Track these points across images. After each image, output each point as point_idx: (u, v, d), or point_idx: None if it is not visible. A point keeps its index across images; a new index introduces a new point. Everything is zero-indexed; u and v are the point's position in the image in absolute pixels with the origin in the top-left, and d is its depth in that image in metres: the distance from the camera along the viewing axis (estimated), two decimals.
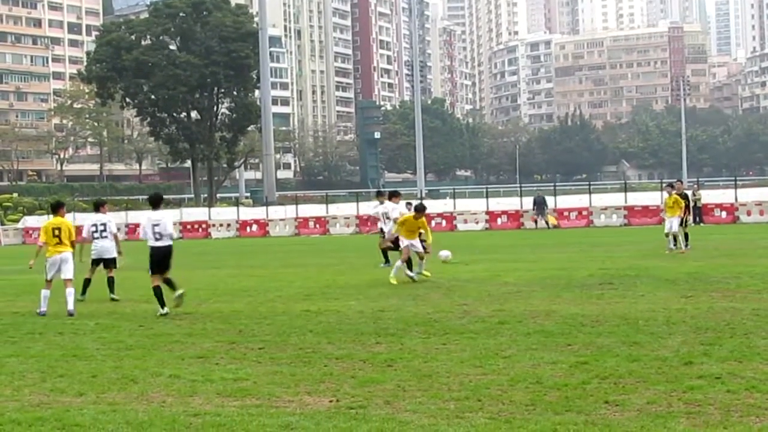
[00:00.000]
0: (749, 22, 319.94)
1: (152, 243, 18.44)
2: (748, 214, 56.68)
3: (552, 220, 60.41)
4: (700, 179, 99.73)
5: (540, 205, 60.89)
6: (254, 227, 71.03)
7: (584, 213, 62.12)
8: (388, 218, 27.53)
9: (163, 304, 17.92)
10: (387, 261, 28.30)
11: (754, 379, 10.02)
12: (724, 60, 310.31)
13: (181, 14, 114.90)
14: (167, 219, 18.76)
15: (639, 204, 64.04)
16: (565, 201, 67.36)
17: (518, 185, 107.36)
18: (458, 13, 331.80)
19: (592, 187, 74.14)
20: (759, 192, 63.24)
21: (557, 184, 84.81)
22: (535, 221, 60.51)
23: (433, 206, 71.47)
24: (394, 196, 28.89)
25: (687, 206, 34.19)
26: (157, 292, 18.10)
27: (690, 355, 11.58)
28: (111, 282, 21.93)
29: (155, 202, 19.02)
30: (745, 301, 16.88)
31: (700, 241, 36.52)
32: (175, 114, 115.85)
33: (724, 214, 57.31)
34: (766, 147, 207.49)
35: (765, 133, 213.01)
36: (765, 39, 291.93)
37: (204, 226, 71.96)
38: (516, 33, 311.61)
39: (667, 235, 30.57)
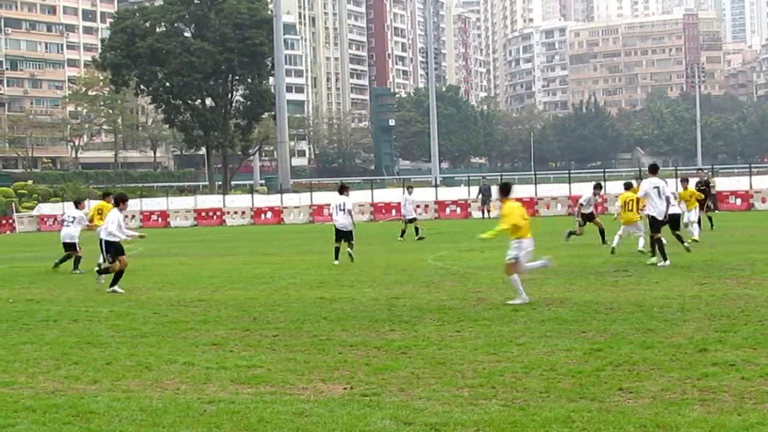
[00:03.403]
0: (764, 9, 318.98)
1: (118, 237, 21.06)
2: (763, 201, 56.52)
3: (493, 210, 60.44)
4: (714, 166, 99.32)
5: (485, 194, 60.80)
6: (269, 214, 71.07)
7: (598, 200, 61.87)
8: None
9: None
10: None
11: None
12: (739, 47, 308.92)
13: (195, 1, 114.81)
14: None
15: None
16: (578, 189, 67.22)
17: (533, 173, 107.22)
18: (473, 0, 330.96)
19: (606, 174, 73.92)
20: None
21: (572, 171, 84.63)
22: (482, 211, 60.54)
23: (447, 194, 71.51)
24: (343, 189, 28.87)
25: (708, 194, 34.44)
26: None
27: (704, 342, 11.55)
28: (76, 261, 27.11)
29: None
30: (759, 288, 16.84)
31: (715, 228, 36.36)
32: (189, 101, 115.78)
33: (738, 201, 57.13)
34: None
35: None
36: None
37: (219, 213, 72.05)
38: (531, 20, 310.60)
39: (686, 225, 30.39)
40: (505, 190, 16.67)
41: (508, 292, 17.45)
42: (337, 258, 26.76)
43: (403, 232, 38.44)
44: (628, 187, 27.32)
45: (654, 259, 22.05)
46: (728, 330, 12.40)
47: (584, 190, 34.16)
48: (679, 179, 36.39)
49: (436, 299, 16.88)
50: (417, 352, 11.68)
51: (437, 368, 10.57)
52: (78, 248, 27.50)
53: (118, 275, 20.59)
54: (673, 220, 24.55)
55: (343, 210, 27.39)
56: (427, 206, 66.62)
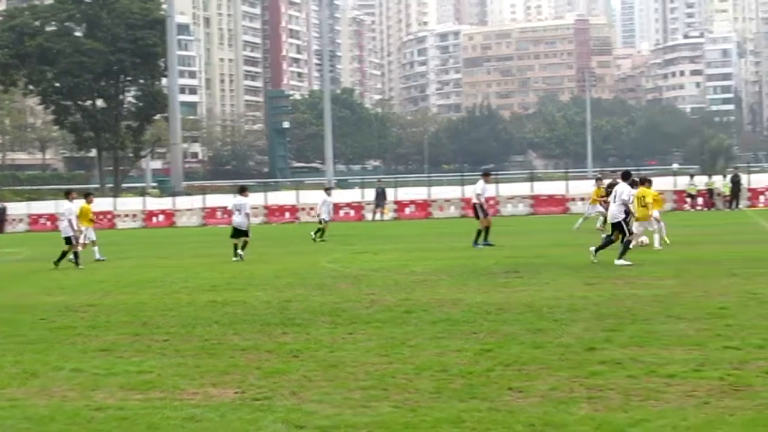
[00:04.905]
0: (653, 15, 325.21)
1: None
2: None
3: (387, 212, 61.00)
4: (604, 169, 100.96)
5: (380, 196, 61.33)
6: (161, 217, 70.38)
7: (491, 202, 62.50)
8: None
9: None
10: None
11: (653, 363, 10.19)
12: (629, 52, 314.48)
13: (87, 0, 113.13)
14: None
15: (545, 193, 64.92)
16: (468, 191, 67.98)
17: (427, 175, 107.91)
18: (368, 2, 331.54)
19: (499, 176, 74.71)
20: (663, 181, 64.15)
21: (464, 174, 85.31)
22: (375, 213, 61.01)
23: (342, 196, 71.57)
24: (243, 190, 30.53)
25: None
26: None
27: (592, 341, 11.74)
28: None
29: None
30: (646, 288, 17.16)
31: (595, 231, 36.93)
32: (80, 102, 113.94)
33: None
34: (669, 137, 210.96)
35: (667, 123, 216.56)
36: (668, 32, 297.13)
37: (109, 216, 71.05)
38: (425, 23, 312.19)
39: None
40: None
41: (401, 294, 17.55)
42: (235, 255, 28.16)
43: (323, 232, 38.51)
44: (642, 182, 27.39)
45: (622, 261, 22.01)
46: (615, 329, 12.62)
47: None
48: (595, 179, 37.25)
49: (329, 302, 16.87)
50: (309, 355, 11.66)
51: (329, 371, 10.56)
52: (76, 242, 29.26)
53: None
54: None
55: (240, 211, 28.95)
56: None
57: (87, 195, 33.45)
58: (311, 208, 66.90)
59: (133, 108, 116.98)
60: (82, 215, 30.71)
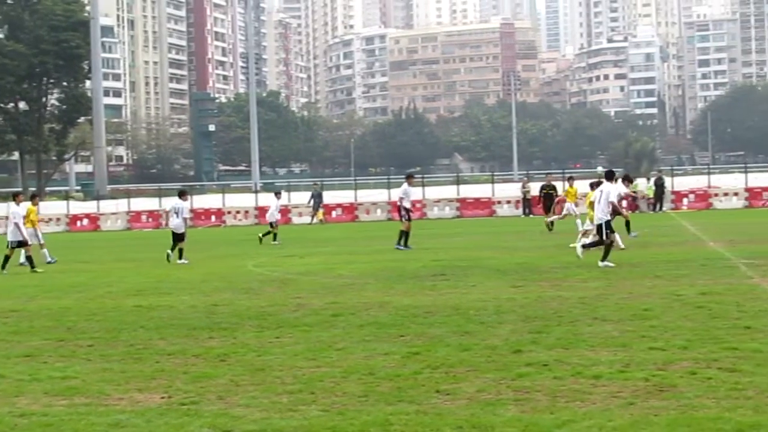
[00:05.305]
0: (577, 19, 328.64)
1: None
2: (576, 205, 58.13)
3: (319, 216, 61.21)
4: (530, 172, 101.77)
5: (317, 199, 61.57)
6: (85, 221, 69.55)
7: (418, 206, 62.73)
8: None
9: None
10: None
11: (579, 365, 10.28)
12: (554, 56, 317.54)
13: (8, 1, 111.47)
14: None
15: (471, 196, 65.29)
16: (395, 195, 68.19)
17: (353, 178, 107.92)
18: (294, 5, 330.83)
19: (425, 179, 74.93)
20: (585, 184, 64.80)
21: (391, 177, 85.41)
22: (312, 216, 61.18)
23: (268, 200, 71.27)
24: (182, 193, 30.97)
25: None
26: None
27: (519, 343, 11.82)
28: None
29: None
30: (572, 290, 17.32)
31: (531, 232, 37.36)
32: (1, 105, 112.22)
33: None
34: (593, 140, 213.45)
35: (592, 126, 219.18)
36: (592, 36, 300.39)
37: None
38: (351, 27, 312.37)
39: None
40: None
41: (328, 297, 17.55)
42: (181, 257, 28.61)
43: (275, 235, 38.29)
44: (593, 187, 28.25)
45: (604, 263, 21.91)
46: (542, 331, 12.72)
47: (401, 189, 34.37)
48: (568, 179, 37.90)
49: (256, 306, 16.80)
50: (236, 359, 11.61)
51: (256, 375, 10.52)
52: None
53: None
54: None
55: (178, 214, 29.34)
56: (247, 212, 66.42)
57: (33, 197, 34.13)
58: (237, 212, 66.72)
59: (56, 111, 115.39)
60: (27, 217, 30.62)
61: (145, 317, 15.82)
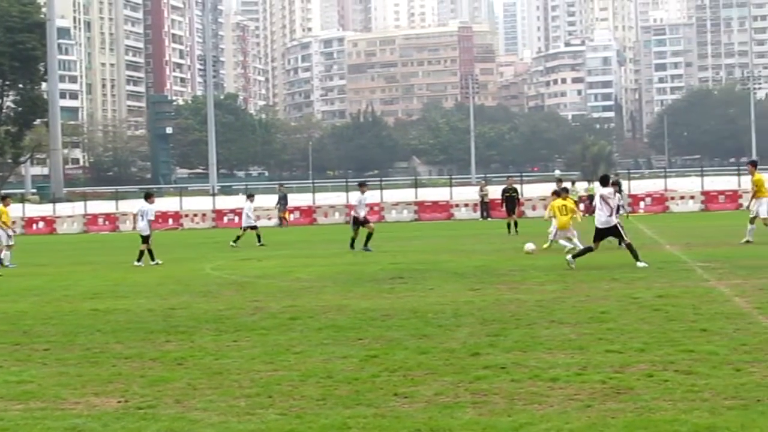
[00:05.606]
0: (535, 23, 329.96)
1: None
2: (534, 209, 58.57)
3: (286, 218, 61.25)
4: (487, 175, 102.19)
5: (283, 201, 61.57)
6: (41, 224, 69.01)
7: (376, 209, 62.78)
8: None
9: None
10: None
11: (537, 368, 10.31)
12: (511, 59, 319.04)
13: None
14: None
15: (429, 199, 65.47)
16: (353, 198, 68.31)
17: (311, 181, 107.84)
18: (252, 8, 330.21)
19: (383, 183, 75.01)
20: (543, 187, 65.16)
21: (349, 180, 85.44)
22: (280, 218, 61.16)
23: (225, 203, 71.19)
24: (149, 196, 31.21)
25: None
26: None
27: (477, 346, 11.84)
28: None
29: None
30: (529, 293, 17.38)
31: (489, 235, 37.48)
32: None
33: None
34: (550, 143, 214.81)
35: (549, 130, 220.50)
36: (550, 40, 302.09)
37: None
38: (310, 29, 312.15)
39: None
40: None
41: (286, 300, 17.51)
42: (153, 259, 29.02)
43: (238, 237, 38.10)
44: (559, 194, 28.82)
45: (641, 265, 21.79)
46: (499, 334, 12.75)
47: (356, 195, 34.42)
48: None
49: (213, 309, 16.74)
50: (193, 362, 11.55)
51: (214, 378, 10.47)
52: None
53: None
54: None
55: (143, 217, 29.63)
56: (204, 215, 66.20)
57: (4, 198, 34.11)
58: (195, 215, 66.44)
59: (12, 113, 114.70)
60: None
61: (102, 321, 15.71)
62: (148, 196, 30.81)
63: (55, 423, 8.72)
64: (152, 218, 29.91)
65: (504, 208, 43.71)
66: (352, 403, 9.05)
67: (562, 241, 27.99)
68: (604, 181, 23.62)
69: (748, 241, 27.96)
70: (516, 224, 38.52)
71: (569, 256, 22.25)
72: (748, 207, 32.12)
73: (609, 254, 24.08)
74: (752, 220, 28.61)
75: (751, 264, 21.24)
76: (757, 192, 28.96)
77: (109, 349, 12.85)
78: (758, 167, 30.66)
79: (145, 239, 29.24)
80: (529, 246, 27.33)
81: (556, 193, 29.30)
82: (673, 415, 8.17)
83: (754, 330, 12.41)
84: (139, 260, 28.92)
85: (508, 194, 42.91)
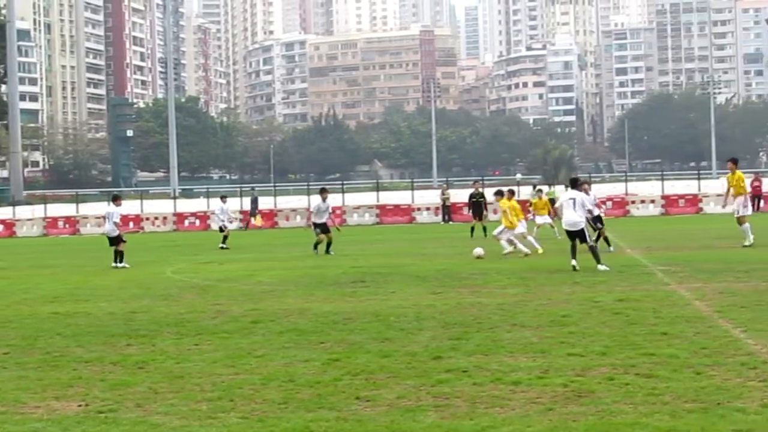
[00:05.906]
0: (497, 27, 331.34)
1: None
2: (495, 212, 58.64)
3: (258, 221, 61.22)
4: (449, 179, 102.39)
5: (253, 203, 61.67)
6: (0, 227, 68.49)
7: (338, 212, 62.70)
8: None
9: None
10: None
11: (499, 371, 10.33)
12: (473, 63, 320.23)
13: None
14: None
15: (391, 203, 65.52)
16: (314, 200, 68.26)
17: (273, 184, 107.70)
18: (213, 11, 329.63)
19: (345, 186, 75.01)
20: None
21: (311, 183, 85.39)
22: (247, 222, 61.18)
23: (186, 206, 70.92)
24: (116, 199, 31.21)
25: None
26: None
27: (439, 349, 11.85)
28: None
29: None
30: (491, 296, 17.42)
31: (449, 239, 37.55)
32: None
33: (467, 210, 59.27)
34: (512, 147, 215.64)
35: (510, 134, 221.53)
36: (511, 44, 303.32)
37: None
38: (271, 32, 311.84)
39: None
40: None
41: (248, 304, 17.46)
42: (121, 261, 28.96)
43: (225, 238, 37.96)
44: (502, 194, 29.46)
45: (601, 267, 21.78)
46: (461, 337, 12.77)
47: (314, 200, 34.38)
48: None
49: (174, 312, 16.67)
50: (155, 366, 11.49)
51: (175, 382, 10.42)
52: None
53: None
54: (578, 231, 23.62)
55: (108, 219, 29.76)
56: (165, 218, 65.91)
57: None
58: (156, 218, 66.13)
59: None
60: None
61: (62, 324, 15.60)
62: (115, 199, 30.82)
63: (15, 427, 8.66)
64: (117, 221, 29.79)
65: (471, 213, 43.88)
66: (314, 406, 9.04)
67: (503, 242, 28.12)
68: (575, 183, 23.77)
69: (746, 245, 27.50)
70: (485, 228, 38.59)
71: (601, 266, 21.84)
72: (723, 205, 31.78)
73: (569, 258, 24.14)
74: (740, 220, 27.97)
75: (710, 268, 21.38)
76: (738, 189, 28.45)
77: (70, 352, 12.76)
78: (716, 171, 30.59)
79: (114, 240, 29.19)
80: (478, 251, 27.42)
81: (500, 194, 29.56)
82: (634, 418, 8.21)
83: (714, 333, 12.50)
84: (120, 261, 28.82)
85: (475, 199, 43.05)
